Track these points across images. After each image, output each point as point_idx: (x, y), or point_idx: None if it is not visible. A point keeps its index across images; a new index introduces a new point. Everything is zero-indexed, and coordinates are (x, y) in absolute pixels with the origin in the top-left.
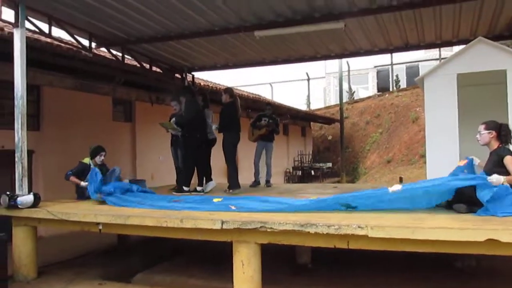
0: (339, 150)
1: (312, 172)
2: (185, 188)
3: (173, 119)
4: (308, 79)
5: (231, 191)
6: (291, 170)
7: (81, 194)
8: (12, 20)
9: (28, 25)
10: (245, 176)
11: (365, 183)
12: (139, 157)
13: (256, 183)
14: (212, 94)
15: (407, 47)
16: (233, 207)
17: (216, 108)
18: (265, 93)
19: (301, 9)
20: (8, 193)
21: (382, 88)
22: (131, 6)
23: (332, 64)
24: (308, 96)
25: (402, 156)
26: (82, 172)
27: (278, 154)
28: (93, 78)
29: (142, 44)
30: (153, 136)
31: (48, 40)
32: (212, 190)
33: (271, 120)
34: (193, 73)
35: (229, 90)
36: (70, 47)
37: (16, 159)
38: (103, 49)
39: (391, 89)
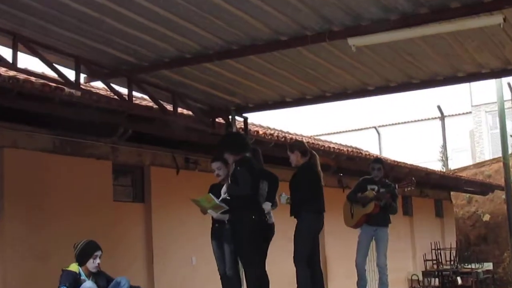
0: (506, 239)
1: (459, 280)
2: None
3: (223, 194)
4: (442, 117)
5: None
6: (420, 278)
7: None
8: None
9: None
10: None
11: None
12: (158, 259)
13: None
14: (275, 149)
15: None
16: None
17: (278, 172)
18: (368, 143)
19: None
20: None
21: None
22: (144, 12)
23: (484, 91)
24: (444, 145)
25: None
26: (74, 286)
27: (397, 248)
28: (81, 131)
29: (161, 72)
30: (181, 222)
31: (11, 73)
32: None
33: (383, 188)
34: (245, 114)
35: (298, 146)
36: (46, 82)
37: None
38: (98, 83)
39: None
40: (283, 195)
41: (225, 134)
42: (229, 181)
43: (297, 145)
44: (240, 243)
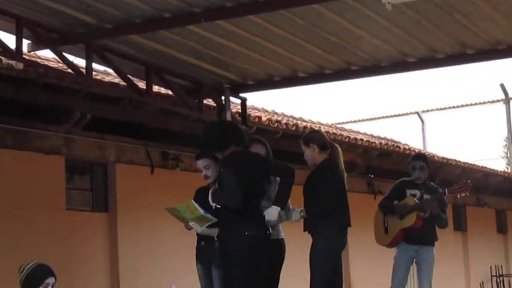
0: None
1: None
2: None
3: (212, 202)
4: (507, 100)
5: None
6: None
7: None
8: None
9: None
10: None
11: None
12: (126, 284)
13: None
14: (283, 141)
15: None
16: None
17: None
18: (408, 133)
19: None
20: None
21: None
22: None
23: None
24: (509, 137)
25: None
26: None
27: (445, 274)
28: (24, 116)
29: (131, 37)
30: (157, 239)
31: None
32: None
33: (428, 194)
34: (243, 94)
35: (316, 138)
36: None
37: None
38: (47, 51)
39: None
40: (295, 210)
41: (210, 123)
42: (217, 185)
43: (314, 136)
44: (228, 269)
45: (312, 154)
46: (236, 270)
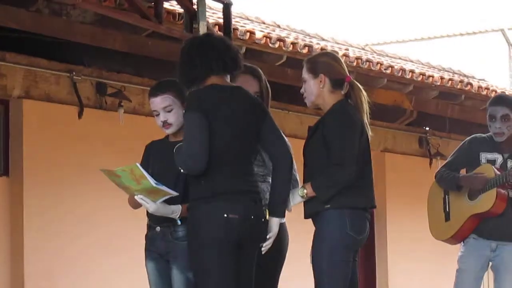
0: None
1: None
2: None
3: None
4: None
5: None
6: None
7: None
8: None
9: None
10: None
11: None
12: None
13: None
14: (289, 72)
15: None
16: None
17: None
18: (484, 62)
19: None
20: None
21: None
22: None
23: None
24: None
25: None
26: None
27: None
28: None
29: None
30: (84, 217)
31: None
32: None
33: None
34: None
35: (330, 65)
36: None
37: None
38: None
39: None
40: (293, 192)
41: (188, 40)
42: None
43: (325, 62)
44: (194, 263)
45: (318, 91)
46: (220, 261)
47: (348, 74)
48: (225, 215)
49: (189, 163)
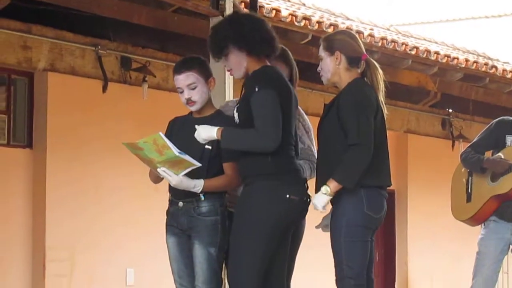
0: None
1: None
2: None
3: (202, 140)
4: None
5: None
6: None
7: None
8: None
9: None
10: None
11: None
12: (55, 272)
13: None
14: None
15: None
16: None
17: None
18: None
19: None
20: None
21: None
22: None
23: None
24: None
25: None
26: None
27: None
28: None
29: None
30: (108, 192)
31: None
32: None
33: None
34: None
35: (347, 43)
36: None
37: None
38: None
39: None
40: (322, 188)
41: (227, 17)
42: (235, 113)
43: (342, 40)
44: (238, 236)
45: (334, 68)
46: (262, 241)
47: (365, 52)
48: (287, 196)
49: (267, 141)
